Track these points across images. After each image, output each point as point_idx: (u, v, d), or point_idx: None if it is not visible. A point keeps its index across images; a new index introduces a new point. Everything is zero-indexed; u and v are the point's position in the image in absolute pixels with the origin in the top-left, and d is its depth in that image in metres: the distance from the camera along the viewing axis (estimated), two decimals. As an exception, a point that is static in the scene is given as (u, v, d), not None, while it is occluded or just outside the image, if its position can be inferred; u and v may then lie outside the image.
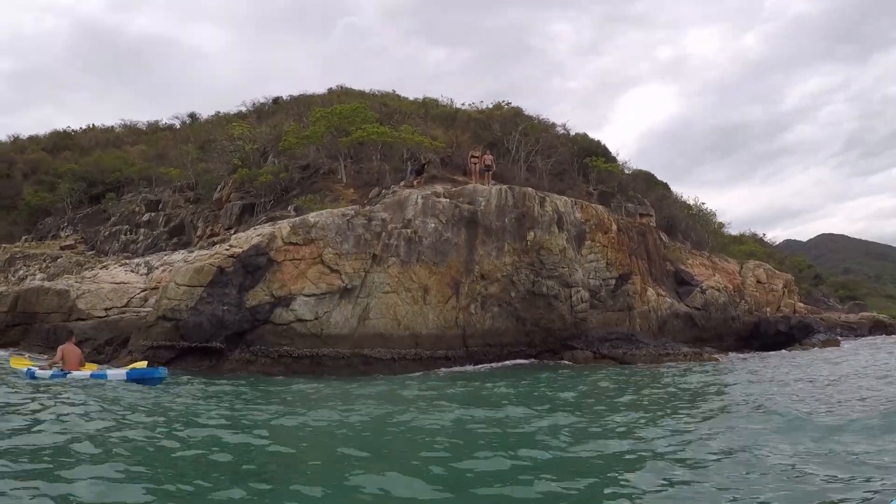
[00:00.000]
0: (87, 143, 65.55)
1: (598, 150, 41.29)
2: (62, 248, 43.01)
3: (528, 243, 25.99)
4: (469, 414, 11.95)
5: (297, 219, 23.80)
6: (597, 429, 10.64)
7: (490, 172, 28.77)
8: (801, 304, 44.89)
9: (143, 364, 17.24)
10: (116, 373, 16.50)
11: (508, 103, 43.68)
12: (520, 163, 35.82)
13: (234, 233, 27.88)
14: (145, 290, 27.88)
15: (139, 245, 40.84)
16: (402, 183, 29.36)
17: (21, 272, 38.52)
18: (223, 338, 21.52)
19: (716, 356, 27.25)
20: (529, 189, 27.31)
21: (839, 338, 39.09)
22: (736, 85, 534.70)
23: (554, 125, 43.59)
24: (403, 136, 31.93)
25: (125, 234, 43.00)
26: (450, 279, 24.37)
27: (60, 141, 67.01)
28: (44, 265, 38.74)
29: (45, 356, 21.50)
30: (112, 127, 71.65)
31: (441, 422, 11.16)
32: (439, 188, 27.15)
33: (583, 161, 38.61)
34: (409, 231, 24.03)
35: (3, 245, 44.10)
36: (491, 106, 43.81)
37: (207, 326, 21.36)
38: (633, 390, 16.34)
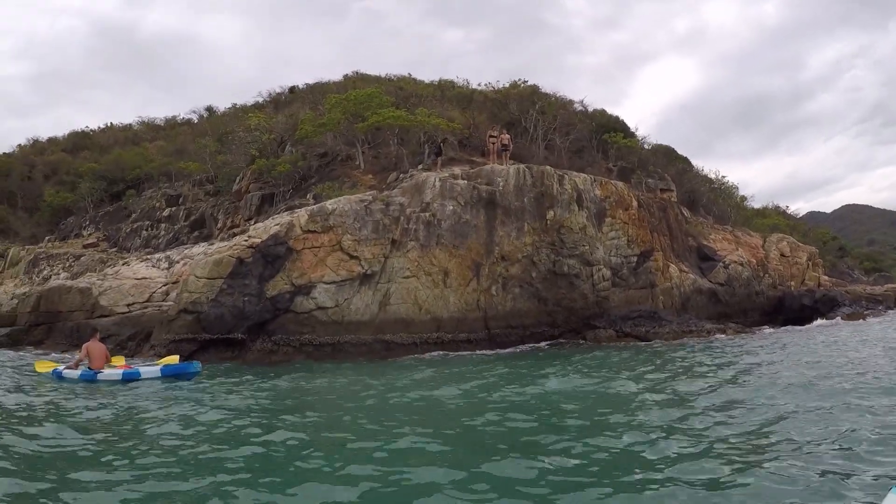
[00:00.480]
0: (105, 141, 66.02)
1: (616, 126, 40.78)
2: (85, 247, 43.32)
3: (548, 222, 25.69)
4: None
5: (315, 206, 23.72)
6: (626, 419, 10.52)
7: (508, 152, 28.42)
8: (826, 277, 44.21)
9: (175, 359, 16.93)
10: (150, 370, 16.12)
11: (525, 82, 43.14)
12: (538, 141, 35.48)
13: (255, 223, 27.87)
14: (166, 284, 27.99)
15: (161, 240, 41.04)
16: (420, 166, 29.18)
17: (45, 272, 38.83)
18: (245, 329, 21.54)
19: (739, 332, 26.93)
20: (548, 167, 26.96)
21: (866, 311, 38.35)
22: (756, 54, 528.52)
23: (572, 102, 43.04)
24: (420, 119, 31.67)
25: (146, 230, 43.26)
26: (470, 261, 24.19)
27: (79, 141, 67.56)
28: (67, 264, 39.02)
29: (69, 355, 21.57)
30: (130, 125, 72.18)
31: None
32: (457, 170, 26.94)
33: (601, 137, 38.19)
34: (427, 214, 23.86)
35: (27, 246, 44.43)
36: (507, 85, 43.34)
37: (229, 318, 21.39)
38: (663, 369, 16.15)
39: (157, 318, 24.25)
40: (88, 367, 16.38)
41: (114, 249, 42.54)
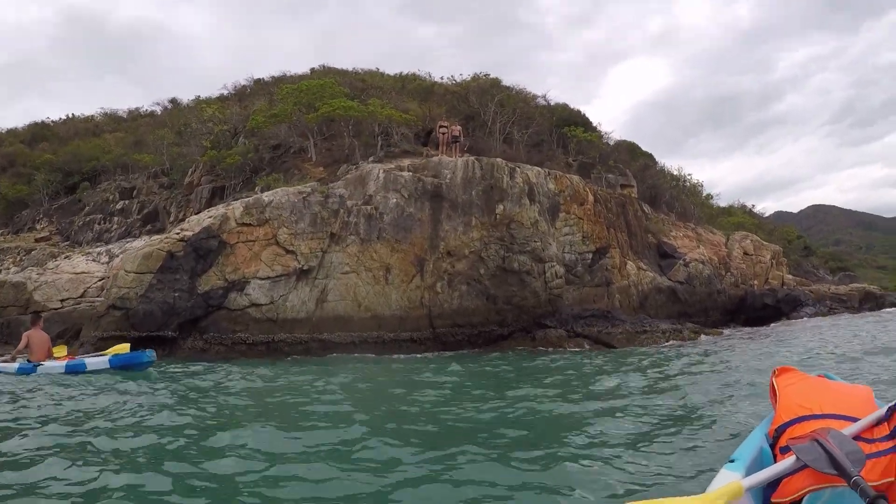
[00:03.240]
0: (66, 133, 64.43)
1: (577, 120, 39.92)
2: (37, 241, 42.12)
3: (498, 217, 24.66)
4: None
5: (251, 198, 22.81)
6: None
7: (458, 144, 27.42)
8: (790, 276, 43.73)
9: (125, 347, 14.74)
10: (97, 361, 14.22)
11: (487, 75, 42.25)
12: (496, 135, 34.56)
13: (200, 216, 26.91)
14: (103, 279, 26.91)
15: (113, 234, 39.91)
16: (371, 158, 28.27)
17: (-5, 266, 37.68)
18: (175, 326, 20.67)
19: (695, 334, 26.07)
20: (498, 160, 25.90)
21: (830, 311, 37.99)
22: (728, 55, 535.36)
23: (534, 96, 42.08)
24: (371, 110, 30.72)
25: (99, 224, 42.08)
26: (413, 257, 23.24)
27: (38, 132, 65.91)
28: (18, 258, 37.84)
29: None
30: (92, 116, 70.60)
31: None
32: (405, 162, 26.03)
33: (561, 131, 37.31)
34: (369, 207, 22.96)
35: (-21, 239, 43.22)
36: (469, 78, 42.30)
37: (158, 314, 20.49)
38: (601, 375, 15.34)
39: (87, 314, 23.23)
40: (28, 360, 14.71)
41: (66, 243, 41.37)
